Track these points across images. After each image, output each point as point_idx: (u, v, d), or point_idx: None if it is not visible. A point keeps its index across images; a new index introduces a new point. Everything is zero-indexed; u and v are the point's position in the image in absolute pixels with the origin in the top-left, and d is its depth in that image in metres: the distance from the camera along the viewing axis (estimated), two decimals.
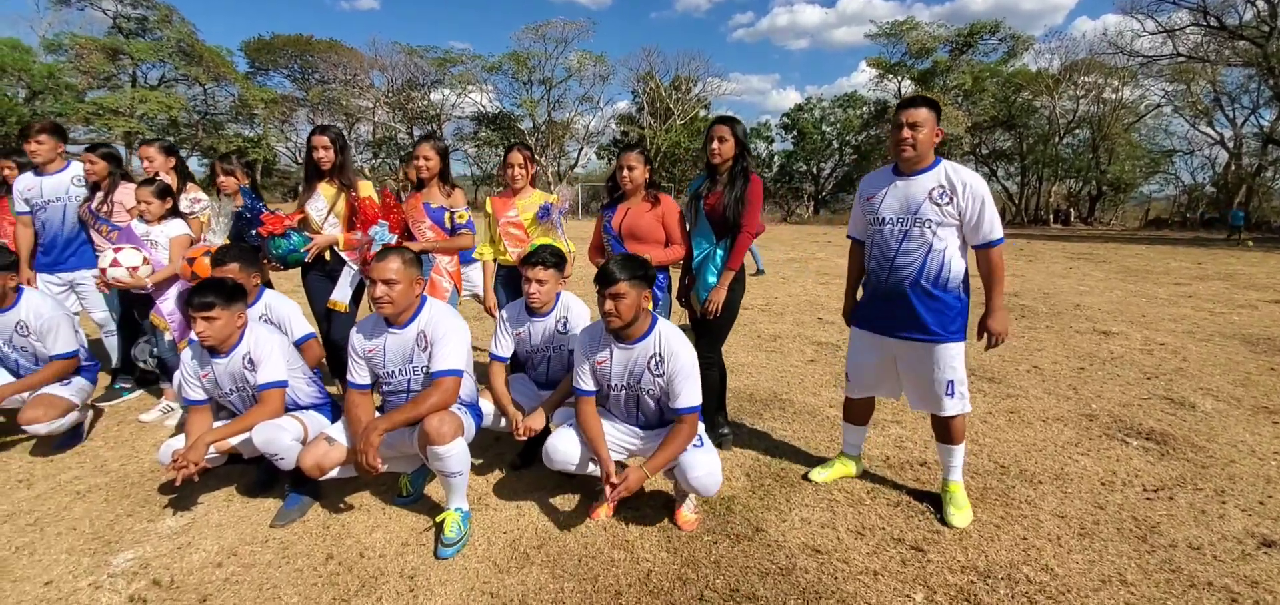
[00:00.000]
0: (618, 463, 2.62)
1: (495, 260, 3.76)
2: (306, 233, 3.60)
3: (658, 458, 2.46)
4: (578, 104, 38.61)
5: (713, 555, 2.51)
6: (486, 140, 36.46)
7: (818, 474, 3.10)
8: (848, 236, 3.02)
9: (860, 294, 3.00)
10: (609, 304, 2.43)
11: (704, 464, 2.46)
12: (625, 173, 3.36)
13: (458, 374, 2.56)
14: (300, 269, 3.69)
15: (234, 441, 2.68)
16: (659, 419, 2.69)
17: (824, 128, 38.78)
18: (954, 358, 2.67)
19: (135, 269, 3.51)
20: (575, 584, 2.34)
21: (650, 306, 2.59)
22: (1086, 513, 2.80)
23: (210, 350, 2.70)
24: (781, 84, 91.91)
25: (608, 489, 2.48)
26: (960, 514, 2.74)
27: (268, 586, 2.31)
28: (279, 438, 2.58)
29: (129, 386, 4.23)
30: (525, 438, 2.88)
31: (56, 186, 3.95)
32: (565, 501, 2.91)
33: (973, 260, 2.65)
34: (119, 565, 2.42)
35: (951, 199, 2.54)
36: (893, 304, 2.70)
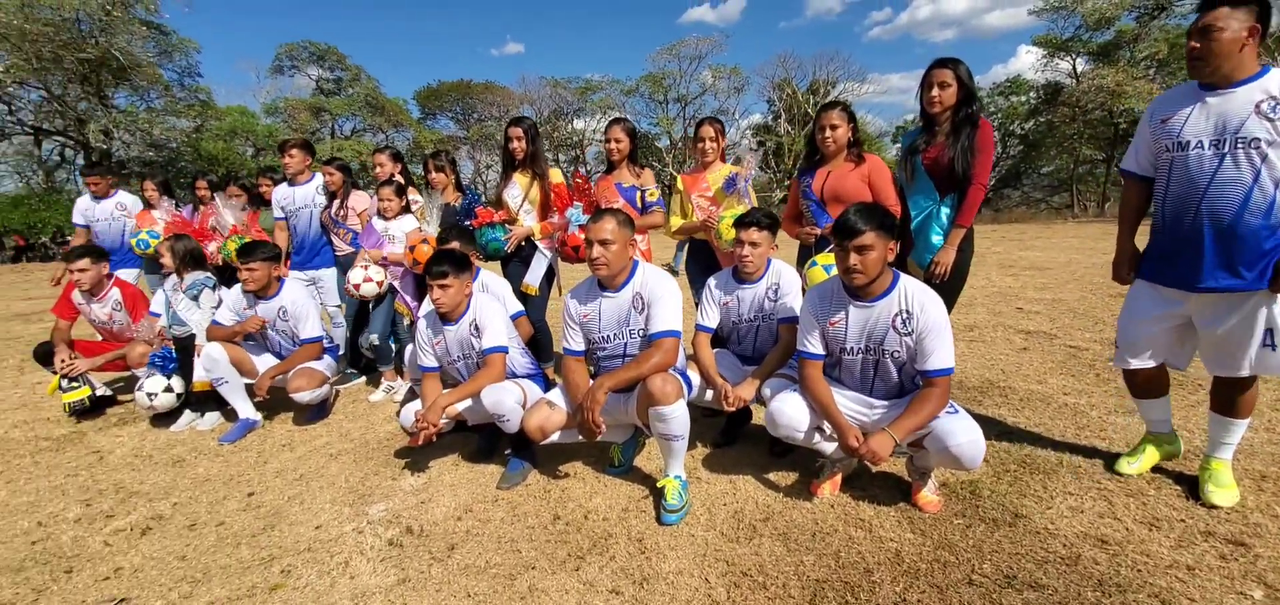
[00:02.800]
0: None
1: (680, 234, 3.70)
2: (507, 225, 3.80)
3: (905, 422, 2.20)
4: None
5: (970, 539, 2.19)
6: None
7: (1127, 464, 2.58)
8: (1122, 171, 2.54)
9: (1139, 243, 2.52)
10: (853, 258, 2.21)
11: (965, 430, 2.15)
12: (826, 133, 3.15)
13: (676, 335, 2.49)
14: (501, 260, 3.90)
15: (462, 405, 2.82)
16: (898, 388, 2.42)
17: None
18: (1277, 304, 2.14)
19: (382, 282, 3.97)
20: (815, 558, 2.15)
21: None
22: None
23: (442, 318, 2.89)
24: None
25: (850, 452, 2.25)
26: (1224, 493, 2.27)
27: (506, 540, 2.37)
28: (505, 399, 2.67)
29: (355, 372, 4.73)
30: (734, 409, 2.75)
31: (304, 195, 4.55)
32: (781, 477, 2.73)
33: None
34: (374, 514, 2.62)
35: None
36: (1196, 250, 2.21)
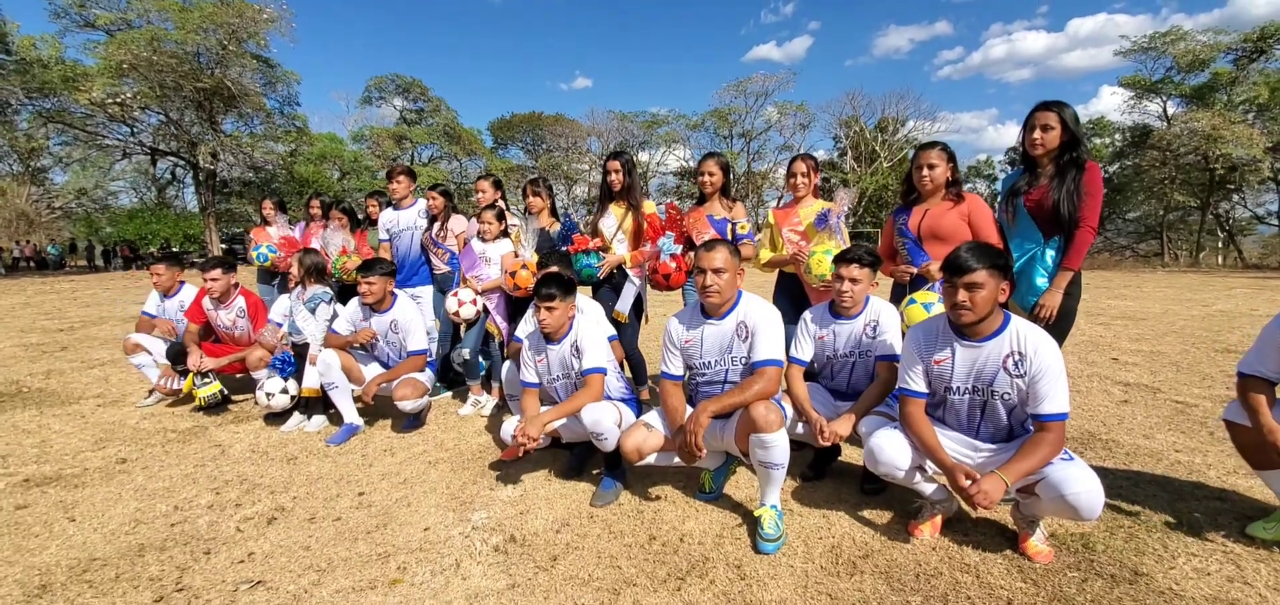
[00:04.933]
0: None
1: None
2: (600, 253, 3.95)
3: (1018, 465, 2.15)
4: (777, 153, 38.85)
5: (1087, 594, 2.11)
6: (688, 193, 38.19)
7: (1262, 529, 2.41)
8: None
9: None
10: (962, 295, 2.21)
11: (1084, 478, 2.09)
12: (924, 172, 3.16)
13: (780, 364, 2.54)
14: (593, 286, 4.05)
15: (560, 422, 2.94)
16: (1006, 432, 2.37)
17: None
18: None
19: (475, 301, 4.19)
20: (922, 599, 2.12)
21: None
22: None
23: (546, 338, 3.03)
24: (999, 119, 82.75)
25: (959, 491, 2.22)
26: None
27: (605, 556, 2.44)
28: (603, 418, 2.77)
29: (442, 386, 4.96)
30: (829, 443, 2.74)
31: (408, 219, 4.87)
32: (876, 516, 2.70)
33: None
34: (477, 521, 2.75)
35: None
36: None
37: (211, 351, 4.53)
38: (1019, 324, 2.27)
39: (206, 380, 4.29)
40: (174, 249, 29.29)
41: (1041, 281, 2.88)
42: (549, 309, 2.90)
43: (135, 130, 26.01)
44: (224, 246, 28.30)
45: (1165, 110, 29.18)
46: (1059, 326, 2.88)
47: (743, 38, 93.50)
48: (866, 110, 36.39)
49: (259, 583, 2.31)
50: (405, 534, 2.67)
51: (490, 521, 2.74)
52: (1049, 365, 2.18)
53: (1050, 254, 2.88)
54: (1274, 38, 26.69)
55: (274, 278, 5.82)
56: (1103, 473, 3.12)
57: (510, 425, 3.02)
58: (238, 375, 4.96)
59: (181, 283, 4.88)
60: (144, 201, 32.07)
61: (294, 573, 2.37)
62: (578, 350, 2.98)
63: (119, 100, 23.19)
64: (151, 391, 4.74)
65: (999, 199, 3.18)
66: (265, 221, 5.79)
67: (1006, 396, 2.27)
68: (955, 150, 3.21)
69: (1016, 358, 2.22)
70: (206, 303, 4.58)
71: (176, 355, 4.42)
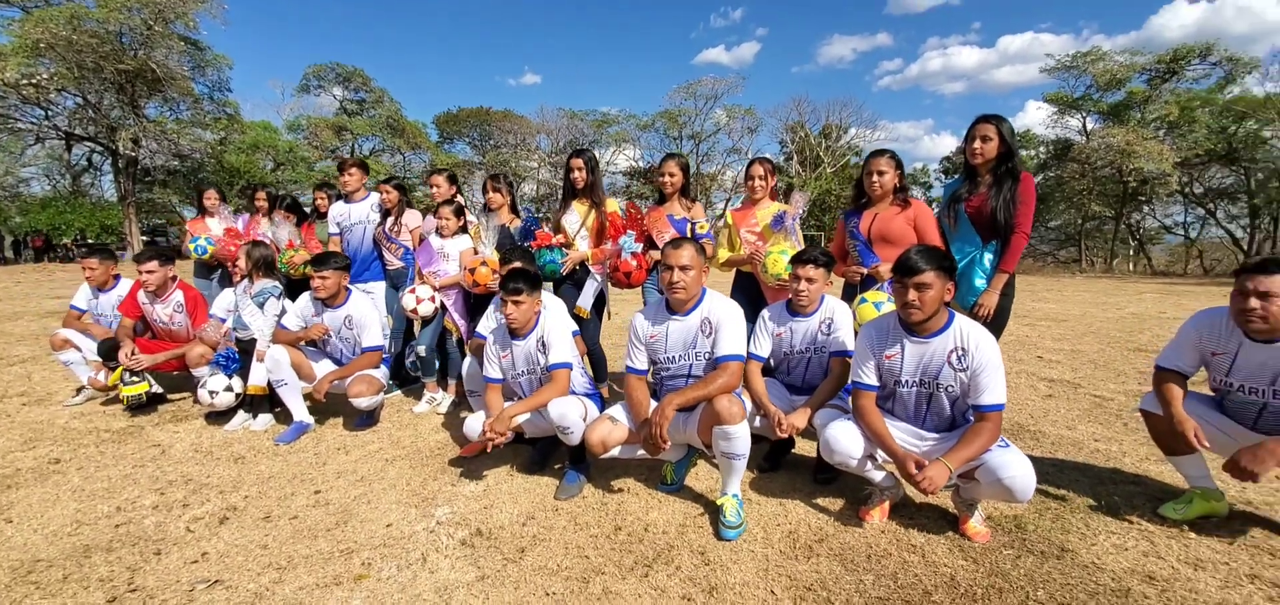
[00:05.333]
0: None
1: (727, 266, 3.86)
2: (563, 249, 3.97)
3: (960, 452, 2.32)
4: (725, 156, 39.53)
5: (1021, 569, 2.30)
6: (638, 193, 38.37)
7: (1173, 509, 2.64)
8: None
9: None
10: (912, 295, 2.36)
11: (1018, 463, 2.27)
12: (875, 178, 3.33)
13: (742, 359, 2.63)
14: (554, 282, 4.07)
15: (525, 417, 2.96)
16: (949, 422, 2.55)
17: None
18: None
19: (433, 298, 4.14)
20: (874, 578, 2.25)
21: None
22: None
23: (511, 333, 3.04)
24: (935, 129, 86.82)
25: (908, 478, 2.36)
26: None
27: (573, 547, 2.48)
28: (569, 412, 2.81)
29: (394, 384, 4.86)
30: (786, 435, 2.87)
31: (360, 212, 4.75)
32: (829, 503, 2.84)
33: None
34: (441, 516, 2.74)
35: None
36: None
37: (148, 348, 4.29)
38: (962, 321, 2.45)
39: (135, 379, 4.05)
40: (90, 240, 27.34)
41: (980, 283, 3.09)
42: (516, 303, 2.91)
43: (50, 113, 24.18)
44: (145, 238, 26.63)
45: (1085, 126, 31.31)
46: (995, 324, 3.10)
47: (693, 41, 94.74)
48: (812, 116, 37.54)
49: (217, 582, 2.24)
50: (367, 530, 2.63)
51: (454, 516, 2.74)
52: (989, 360, 2.36)
53: (988, 257, 3.10)
54: (1184, 60, 29.07)
55: (212, 272, 5.55)
56: (1031, 461, 3.38)
57: (475, 421, 3.02)
58: (175, 372, 4.73)
59: (117, 276, 4.60)
60: (57, 189, 29.75)
61: (253, 571, 2.31)
62: (544, 345, 3.00)
63: (34, 81, 21.51)
64: (80, 389, 4.47)
65: (941, 205, 3.39)
66: (205, 212, 5.51)
67: (950, 389, 2.45)
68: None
69: (960, 353, 2.40)
70: (142, 296, 4.34)
71: (109, 351, 4.17)
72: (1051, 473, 3.21)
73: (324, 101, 36.88)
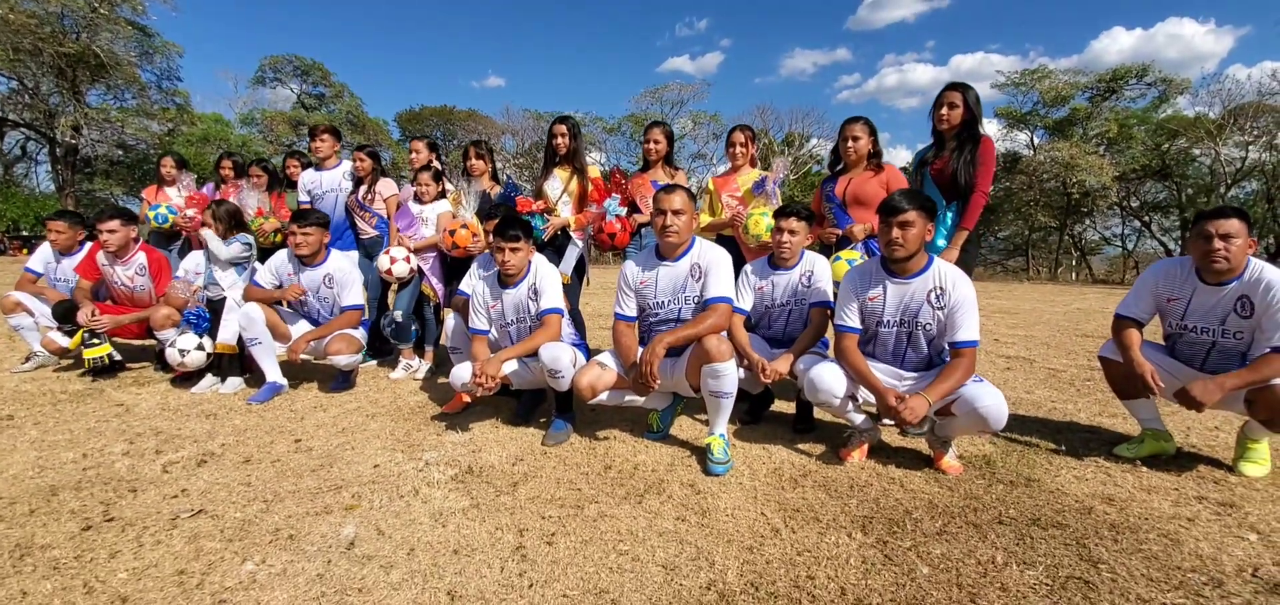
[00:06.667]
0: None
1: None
2: (545, 215, 3.99)
3: (938, 387, 2.44)
4: (691, 161, 39.94)
5: (993, 494, 2.43)
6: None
7: (1126, 449, 2.83)
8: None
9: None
10: (896, 232, 2.48)
11: (992, 394, 2.40)
12: (850, 143, 3.47)
13: (730, 301, 2.71)
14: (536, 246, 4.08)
15: (513, 365, 2.97)
16: (927, 361, 2.67)
17: None
18: None
19: (408, 259, 4.11)
20: (857, 501, 2.35)
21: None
22: None
23: (503, 281, 3.05)
24: (892, 143, 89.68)
25: (888, 410, 2.46)
26: (1256, 466, 2.57)
27: (564, 481, 2.50)
28: (561, 356, 2.83)
29: (369, 354, 4.78)
30: (770, 381, 2.95)
31: (331, 180, 4.66)
32: (811, 448, 2.94)
33: None
34: (429, 459, 2.72)
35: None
36: None
37: (107, 312, 4.13)
38: (941, 264, 2.58)
39: (96, 341, 3.89)
40: (24, 232, 25.87)
41: (941, 242, 3.25)
42: (514, 250, 2.93)
43: None
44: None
45: (1032, 140, 32.85)
46: None
47: (659, 49, 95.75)
48: (774, 124, 38.30)
49: (200, 512, 2.18)
50: (354, 470, 2.60)
51: (443, 458, 2.73)
52: (965, 297, 2.49)
53: (950, 216, 3.27)
54: (1123, 80, 30.89)
55: (172, 242, 5.34)
56: None
57: (464, 370, 3.01)
58: (136, 340, 4.55)
59: (82, 242, 4.40)
60: None
61: (238, 504, 2.26)
62: (536, 292, 3.02)
63: None
64: (29, 357, 4.25)
65: (910, 168, 3.55)
66: (163, 181, 5.31)
67: (928, 327, 2.57)
68: None
69: (938, 292, 2.53)
70: (101, 258, 4.16)
71: (65, 314, 3.99)
72: (1015, 426, 3.38)
73: (280, 95, 35.86)
